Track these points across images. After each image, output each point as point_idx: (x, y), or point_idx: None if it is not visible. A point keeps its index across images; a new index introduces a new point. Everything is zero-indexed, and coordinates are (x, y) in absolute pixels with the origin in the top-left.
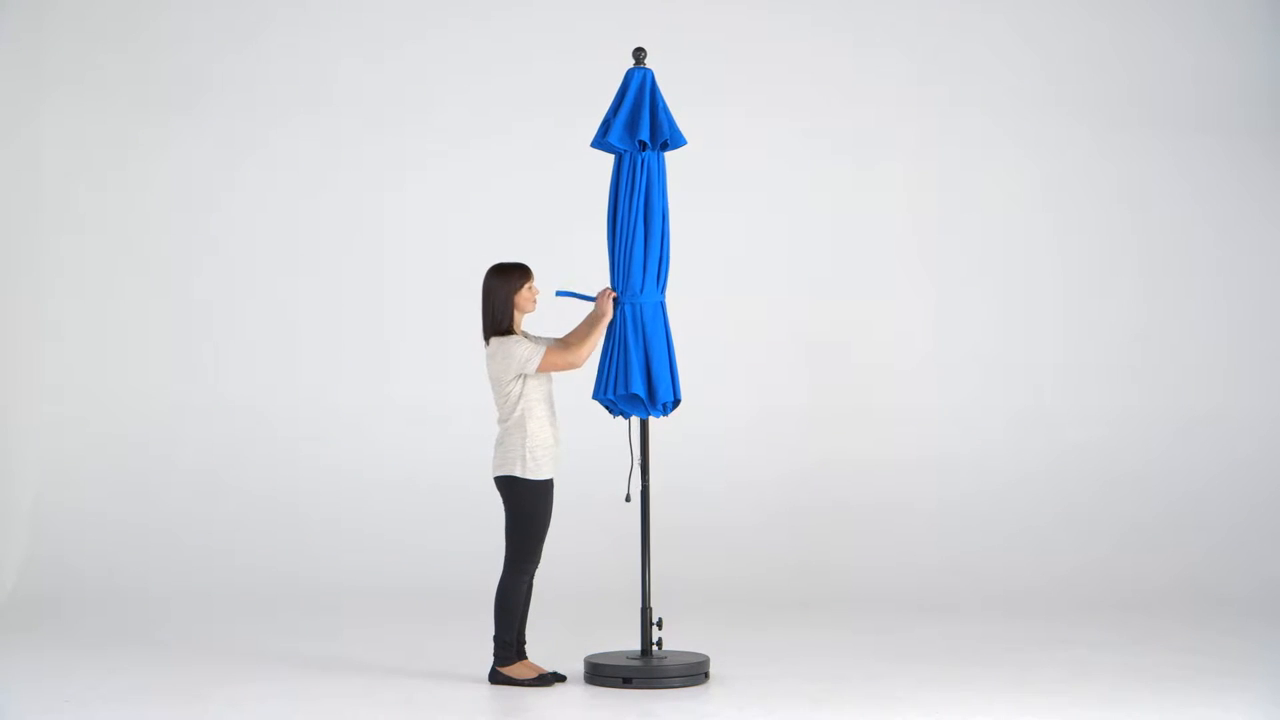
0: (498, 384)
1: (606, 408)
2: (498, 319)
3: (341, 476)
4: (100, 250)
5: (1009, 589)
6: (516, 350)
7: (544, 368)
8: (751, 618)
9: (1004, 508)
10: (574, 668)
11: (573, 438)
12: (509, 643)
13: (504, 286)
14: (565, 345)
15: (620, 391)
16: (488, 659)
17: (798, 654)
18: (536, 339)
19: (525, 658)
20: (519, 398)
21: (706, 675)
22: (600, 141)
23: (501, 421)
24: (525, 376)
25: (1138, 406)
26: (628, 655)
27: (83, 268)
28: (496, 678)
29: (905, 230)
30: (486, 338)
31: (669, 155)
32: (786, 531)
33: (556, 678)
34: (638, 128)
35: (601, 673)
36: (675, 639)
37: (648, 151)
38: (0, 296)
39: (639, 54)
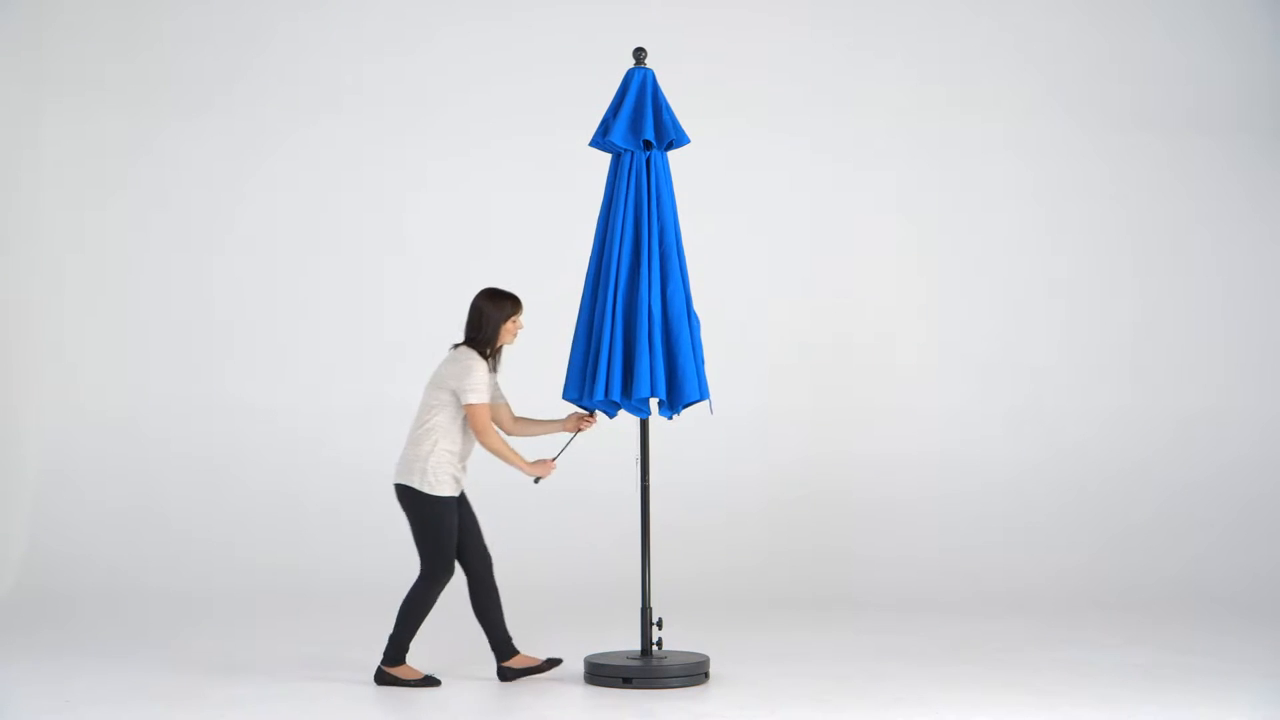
0: (435, 386)
1: (604, 410)
2: (484, 341)
3: (342, 474)
4: (102, 249)
5: (1009, 587)
6: (476, 373)
7: (471, 414)
8: (751, 617)
9: (1003, 506)
10: (574, 668)
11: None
12: (402, 646)
13: (497, 312)
14: (502, 421)
15: (643, 395)
16: (487, 658)
17: (798, 654)
18: (495, 394)
19: (518, 653)
20: (443, 407)
21: (706, 675)
22: (601, 141)
23: (416, 428)
24: (457, 397)
25: (1135, 405)
26: (628, 655)
27: (84, 266)
28: (383, 677)
29: (904, 230)
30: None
31: (668, 155)
32: (786, 532)
33: (434, 681)
34: (642, 127)
35: (601, 673)
36: (675, 639)
37: (653, 151)
38: (3, 295)
39: (639, 54)
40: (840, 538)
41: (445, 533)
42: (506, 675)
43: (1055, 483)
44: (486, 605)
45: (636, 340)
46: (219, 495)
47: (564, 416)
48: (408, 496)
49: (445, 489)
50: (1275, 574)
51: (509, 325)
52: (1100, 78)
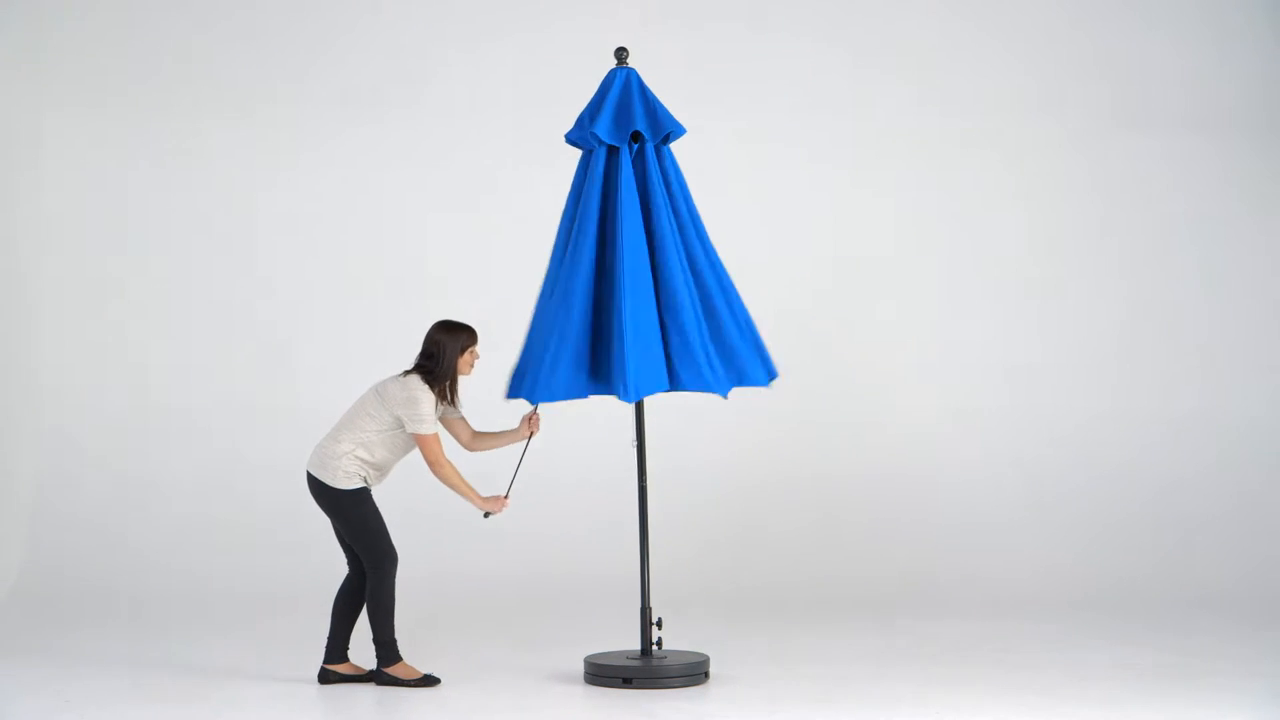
0: (379, 400)
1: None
2: (441, 375)
3: None
4: (101, 251)
5: (1009, 587)
6: (423, 404)
7: (423, 444)
8: (751, 617)
9: (1003, 506)
10: (574, 668)
11: (570, 433)
12: (389, 643)
13: (453, 343)
14: (460, 437)
15: (661, 387)
16: (487, 658)
17: (798, 654)
18: (448, 410)
19: (347, 660)
20: (377, 420)
21: (706, 675)
22: (579, 135)
23: (343, 426)
24: (402, 424)
25: (1130, 405)
26: (628, 655)
27: (82, 270)
28: (382, 679)
29: (899, 231)
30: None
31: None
32: (785, 531)
33: (433, 680)
34: (630, 121)
35: (601, 673)
36: (675, 639)
37: (643, 143)
38: (2, 296)
39: (621, 54)
40: (839, 538)
41: (370, 520)
42: (327, 678)
43: (1054, 482)
44: (349, 608)
45: (641, 330)
46: (218, 496)
47: (517, 425)
48: (315, 486)
49: (353, 484)
50: (1274, 574)
51: (465, 357)
52: (1093, 77)
